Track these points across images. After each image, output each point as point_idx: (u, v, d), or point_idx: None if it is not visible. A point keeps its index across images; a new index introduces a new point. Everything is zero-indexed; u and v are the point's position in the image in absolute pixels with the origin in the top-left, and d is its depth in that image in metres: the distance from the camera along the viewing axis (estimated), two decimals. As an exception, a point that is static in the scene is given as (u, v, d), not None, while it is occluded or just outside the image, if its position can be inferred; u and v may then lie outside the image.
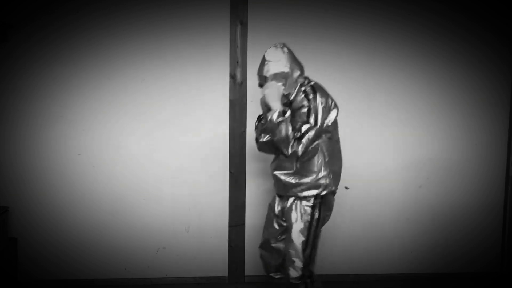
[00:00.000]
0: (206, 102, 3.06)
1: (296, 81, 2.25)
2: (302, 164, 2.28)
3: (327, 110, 2.23)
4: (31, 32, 2.93)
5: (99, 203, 3.05)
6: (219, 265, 3.15)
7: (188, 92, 3.05)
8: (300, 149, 2.17)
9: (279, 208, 2.44)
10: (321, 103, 2.20)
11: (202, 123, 3.07)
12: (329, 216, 2.40)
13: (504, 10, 3.18)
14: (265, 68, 2.24)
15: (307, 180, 2.28)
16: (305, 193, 2.29)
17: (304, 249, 2.29)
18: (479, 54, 3.18)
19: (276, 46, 2.26)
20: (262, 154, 3.07)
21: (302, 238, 2.28)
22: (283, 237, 2.43)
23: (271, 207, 2.51)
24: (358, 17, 3.08)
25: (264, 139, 2.36)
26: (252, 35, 3.02)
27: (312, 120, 2.17)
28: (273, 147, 2.30)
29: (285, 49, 2.27)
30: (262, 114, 2.35)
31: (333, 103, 2.27)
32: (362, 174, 3.14)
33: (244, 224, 3.13)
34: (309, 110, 2.18)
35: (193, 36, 3.01)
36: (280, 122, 2.14)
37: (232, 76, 3.04)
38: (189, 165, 3.09)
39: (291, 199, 2.35)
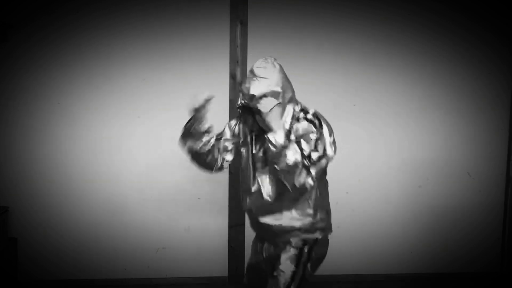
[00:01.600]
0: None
1: (288, 103, 1.88)
2: (293, 204, 1.95)
3: (334, 145, 1.89)
4: (31, 32, 2.93)
5: (99, 203, 3.05)
6: (219, 265, 3.15)
7: (188, 91, 3.04)
8: (310, 182, 1.80)
9: (267, 254, 2.11)
10: (331, 130, 1.90)
11: (202, 123, 3.07)
12: (322, 257, 2.08)
13: (504, 10, 3.18)
14: (254, 85, 1.83)
15: (300, 226, 1.96)
16: (296, 239, 1.98)
17: (288, 286, 1.98)
18: (479, 54, 3.18)
19: (266, 60, 1.89)
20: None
21: (286, 274, 1.98)
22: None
23: (255, 249, 2.20)
24: (358, 17, 3.08)
25: (199, 147, 2.03)
26: (252, 34, 3.02)
27: (320, 149, 1.84)
28: (204, 162, 1.99)
29: (277, 65, 1.89)
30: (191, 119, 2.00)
31: (333, 136, 1.91)
32: (361, 175, 3.14)
33: (244, 224, 3.13)
34: (317, 139, 1.84)
35: (193, 35, 3.01)
36: (287, 145, 1.78)
37: (232, 76, 3.04)
38: (189, 165, 3.08)
39: (277, 243, 2.03)
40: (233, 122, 2.15)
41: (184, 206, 3.10)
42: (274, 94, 1.84)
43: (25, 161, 2.99)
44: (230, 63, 3.03)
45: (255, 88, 1.84)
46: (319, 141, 1.85)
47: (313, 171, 1.81)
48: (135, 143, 3.04)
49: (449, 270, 3.29)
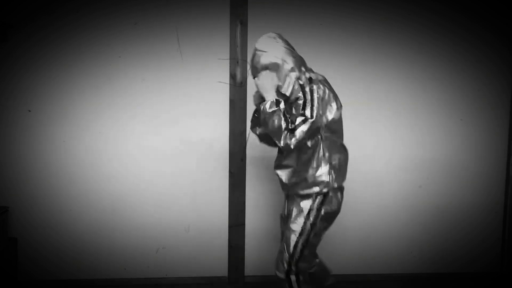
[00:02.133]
0: (206, 102, 3.06)
1: (288, 74, 2.12)
2: (302, 162, 2.20)
3: (325, 103, 2.12)
4: (31, 32, 2.93)
5: (99, 203, 3.05)
6: (219, 265, 3.15)
7: (188, 91, 3.05)
8: (293, 141, 2.05)
9: (286, 211, 2.37)
10: (318, 95, 2.10)
11: (202, 123, 3.07)
12: (332, 214, 2.27)
13: (504, 10, 3.18)
14: (255, 59, 2.14)
15: (306, 177, 2.20)
16: (306, 191, 2.21)
17: (295, 245, 2.20)
18: (479, 54, 3.18)
19: (269, 36, 2.14)
20: (262, 154, 3.08)
21: (296, 234, 2.20)
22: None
23: (282, 213, 2.45)
24: (358, 17, 3.08)
25: (258, 132, 2.34)
26: (252, 34, 3.02)
27: (307, 112, 2.07)
28: (271, 139, 2.21)
29: (279, 40, 2.14)
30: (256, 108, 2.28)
31: (332, 96, 2.16)
32: (361, 174, 3.14)
33: (244, 224, 3.13)
34: (304, 102, 2.08)
35: (193, 35, 3.02)
36: (273, 112, 2.05)
37: (232, 76, 3.04)
38: (189, 165, 3.09)
39: (293, 197, 2.28)
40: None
41: (184, 206, 3.10)
42: (274, 66, 2.10)
43: (25, 161, 2.99)
44: (230, 63, 3.03)
45: (256, 61, 2.13)
46: (306, 105, 2.08)
47: (297, 134, 2.05)
48: (135, 143, 3.04)
49: (449, 270, 3.29)
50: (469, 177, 3.25)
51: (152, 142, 3.05)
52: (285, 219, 2.35)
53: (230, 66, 3.03)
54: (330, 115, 2.17)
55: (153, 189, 3.08)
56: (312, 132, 2.11)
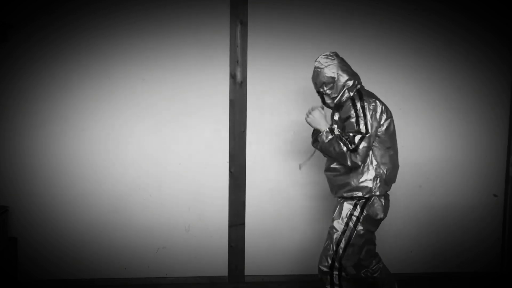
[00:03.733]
0: (206, 101, 3.06)
1: (343, 86, 2.33)
2: (349, 167, 2.32)
3: (376, 116, 2.28)
4: (31, 32, 2.93)
5: (99, 203, 3.05)
6: (219, 265, 3.16)
7: (188, 91, 3.05)
8: (358, 159, 2.23)
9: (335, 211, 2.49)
10: (369, 109, 2.27)
11: (202, 123, 3.07)
12: (375, 218, 2.38)
13: (504, 10, 3.18)
14: (314, 75, 2.38)
15: (350, 182, 2.34)
16: (349, 194, 2.35)
17: (337, 243, 2.36)
18: (479, 54, 3.18)
19: (326, 55, 2.38)
20: (262, 153, 3.09)
21: (338, 233, 2.36)
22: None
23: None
24: (358, 16, 3.08)
25: (318, 147, 2.44)
26: (252, 35, 3.02)
27: (362, 128, 2.23)
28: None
29: (335, 57, 2.37)
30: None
31: (383, 108, 2.33)
32: (362, 174, 3.14)
33: (244, 224, 3.13)
34: (357, 118, 2.25)
35: (193, 35, 3.01)
36: (330, 140, 2.26)
37: (232, 76, 3.04)
38: (189, 164, 3.09)
39: (339, 199, 2.44)
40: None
41: (184, 206, 3.10)
42: (330, 80, 2.34)
43: (25, 161, 2.99)
44: (230, 63, 3.03)
45: (315, 77, 2.39)
46: (360, 120, 2.25)
47: (360, 152, 2.22)
48: (135, 143, 3.04)
49: (449, 270, 3.29)
50: (469, 177, 3.25)
51: (152, 142, 3.05)
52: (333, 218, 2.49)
53: (230, 66, 3.03)
54: (384, 126, 2.33)
55: (153, 188, 3.08)
56: (371, 144, 2.27)
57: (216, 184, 3.10)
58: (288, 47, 3.05)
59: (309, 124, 2.38)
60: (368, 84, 3.13)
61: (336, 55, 2.39)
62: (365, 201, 2.35)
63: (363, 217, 2.35)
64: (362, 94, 2.32)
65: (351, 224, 2.35)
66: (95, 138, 3.02)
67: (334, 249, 2.37)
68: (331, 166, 2.42)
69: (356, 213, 2.35)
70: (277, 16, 3.04)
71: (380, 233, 3.21)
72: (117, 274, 3.11)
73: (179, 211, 3.10)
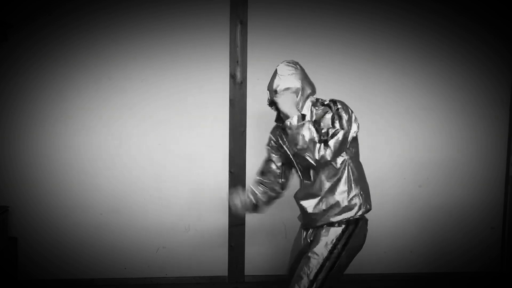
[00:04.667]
0: (206, 101, 3.06)
1: (306, 99, 2.12)
2: (329, 187, 2.11)
3: (350, 122, 2.06)
4: (31, 32, 2.93)
5: (99, 203, 3.05)
6: (219, 265, 3.16)
7: (188, 91, 3.05)
8: (328, 152, 1.97)
9: (308, 240, 2.24)
10: (344, 113, 2.05)
11: (202, 123, 3.07)
12: (358, 247, 2.20)
13: (504, 10, 3.18)
14: (276, 82, 2.12)
15: (338, 202, 2.11)
16: (337, 218, 2.11)
17: (317, 272, 2.10)
18: (479, 54, 3.18)
19: (288, 62, 2.17)
20: (262, 154, 3.08)
21: (319, 260, 2.11)
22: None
23: (297, 239, 2.34)
24: (358, 17, 3.08)
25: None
26: (252, 35, 3.02)
27: (337, 125, 2.01)
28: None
29: (298, 66, 2.17)
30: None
31: (354, 115, 2.09)
32: (362, 174, 3.14)
33: (244, 224, 3.13)
34: (333, 116, 2.03)
35: (193, 35, 3.01)
36: (302, 125, 1.97)
37: (232, 76, 3.04)
38: (189, 164, 3.09)
39: (321, 228, 2.16)
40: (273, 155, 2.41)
41: (184, 206, 3.11)
42: (294, 89, 2.11)
43: (25, 161, 2.99)
44: (230, 63, 3.03)
45: (277, 84, 2.12)
46: (335, 118, 2.04)
47: (331, 144, 1.99)
48: (135, 143, 3.05)
49: (449, 270, 3.29)
50: (469, 177, 3.25)
51: (152, 142, 3.05)
52: (306, 245, 2.25)
53: (230, 66, 3.03)
54: (353, 133, 2.10)
55: (153, 188, 3.08)
56: (344, 144, 2.05)
57: (216, 184, 3.10)
58: (288, 47, 3.05)
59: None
60: (368, 84, 3.15)
61: (299, 64, 2.19)
62: (354, 226, 2.15)
63: (348, 246, 2.13)
64: (336, 101, 2.10)
65: (336, 253, 2.11)
66: (95, 138, 3.02)
67: (312, 278, 2.08)
68: (310, 192, 2.15)
69: (342, 240, 2.12)
70: (277, 16, 3.04)
71: (380, 233, 3.23)
72: (117, 274, 3.11)
73: (179, 211, 3.10)
